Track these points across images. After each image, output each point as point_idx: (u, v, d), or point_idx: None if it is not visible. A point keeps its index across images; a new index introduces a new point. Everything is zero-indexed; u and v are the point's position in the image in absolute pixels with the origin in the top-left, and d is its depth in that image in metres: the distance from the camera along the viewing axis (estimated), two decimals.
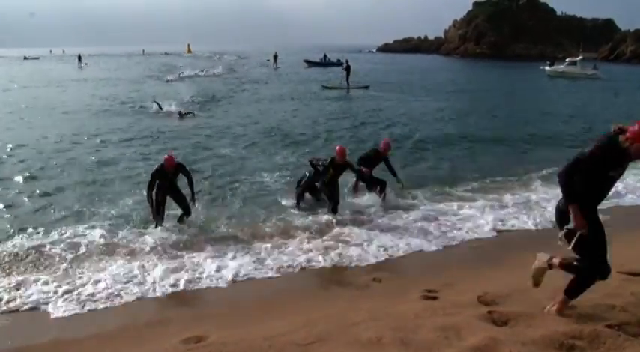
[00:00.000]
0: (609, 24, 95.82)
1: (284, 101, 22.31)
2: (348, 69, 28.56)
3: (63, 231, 6.53)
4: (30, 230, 6.60)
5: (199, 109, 18.68)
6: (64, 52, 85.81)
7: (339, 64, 50.13)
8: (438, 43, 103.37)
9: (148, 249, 6.11)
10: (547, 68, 42.79)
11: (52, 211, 7.48)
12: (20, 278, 5.29)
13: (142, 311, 4.85)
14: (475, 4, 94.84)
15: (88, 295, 5.00)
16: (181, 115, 17.06)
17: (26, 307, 4.77)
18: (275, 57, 48.25)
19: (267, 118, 17.17)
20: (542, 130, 15.25)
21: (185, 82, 29.83)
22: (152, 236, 6.44)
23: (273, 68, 45.47)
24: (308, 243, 6.44)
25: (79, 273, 5.48)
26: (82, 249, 6.05)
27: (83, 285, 5.19)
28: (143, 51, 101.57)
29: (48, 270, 5.51)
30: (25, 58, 69.18)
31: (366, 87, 27.68)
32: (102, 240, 6.32)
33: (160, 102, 18.54)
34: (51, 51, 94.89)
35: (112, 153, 11.66)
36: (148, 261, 5.79)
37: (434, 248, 6.42)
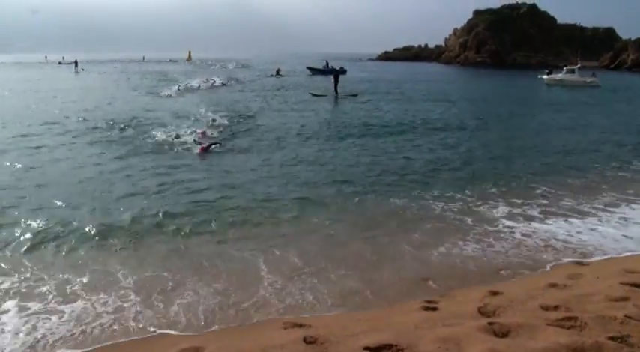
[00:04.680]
0: (610, 32, 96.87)
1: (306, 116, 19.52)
2: (336, 77, 28.66)
3: None
4: None
5: (221, 136, 14.27)
6: (63, 58, 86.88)
7: (341, 71, 50.44)
8: (439, 51, 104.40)
9: None
10: (545, 77, 42.89)
11: None
12: None
13: (140, 321, 4.81)
14: (476, 13, 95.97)
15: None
16: (206, 149, 12.16)
17: None
18: (278, 71, 48.47)
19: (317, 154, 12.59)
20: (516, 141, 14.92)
21: (193, 97, 26.73)
22: None
23: (276, 77, 45.26)
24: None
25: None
26: None
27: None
28: (143, 57, 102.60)
29: None
30: (60, 63, 71.93)
31: (355, 95, 27.94)
32: None
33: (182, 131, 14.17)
34: (46, 57, 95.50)
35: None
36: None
37: (435, 257, 6.40)
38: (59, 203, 8.13)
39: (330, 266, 5.95)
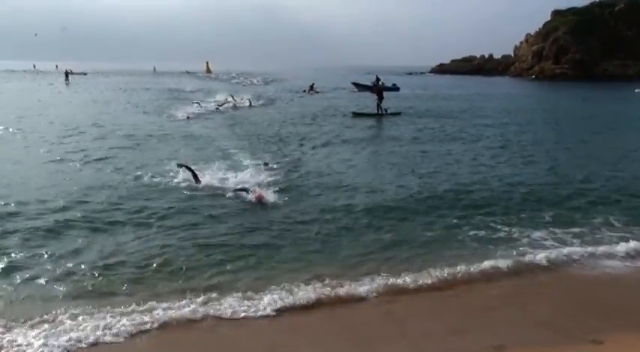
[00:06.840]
0: None
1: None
2: (380, 94, 29.94)
3: None
4: None
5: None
6: (57, 67, 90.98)
7: (395, 88, 50.23)
8: (507, 62, 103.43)
9: None
10: None
11: None
12: None
13: None
14: (555, 14, 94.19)
15: None
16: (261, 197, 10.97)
17: None
18: (312, 86, 49.45)
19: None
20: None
21: (217, 122, 25.36)
22: None
23: (310, 94, 46.15)
24: None
25: None
26: None
27: None
28: (154, 68, 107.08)
29: None
30: (71, 73, 73.15)
31: (398, 113, 29.52)
32: None
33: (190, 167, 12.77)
34: (34, 66, 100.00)
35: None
36: None
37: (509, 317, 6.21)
38: None
39: (379, 334, 5.90)
